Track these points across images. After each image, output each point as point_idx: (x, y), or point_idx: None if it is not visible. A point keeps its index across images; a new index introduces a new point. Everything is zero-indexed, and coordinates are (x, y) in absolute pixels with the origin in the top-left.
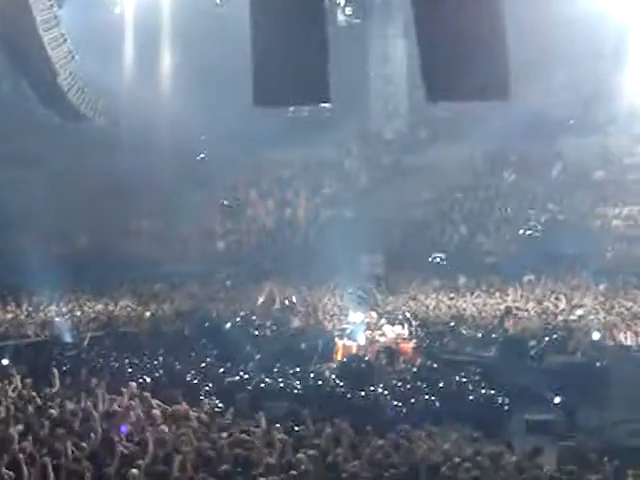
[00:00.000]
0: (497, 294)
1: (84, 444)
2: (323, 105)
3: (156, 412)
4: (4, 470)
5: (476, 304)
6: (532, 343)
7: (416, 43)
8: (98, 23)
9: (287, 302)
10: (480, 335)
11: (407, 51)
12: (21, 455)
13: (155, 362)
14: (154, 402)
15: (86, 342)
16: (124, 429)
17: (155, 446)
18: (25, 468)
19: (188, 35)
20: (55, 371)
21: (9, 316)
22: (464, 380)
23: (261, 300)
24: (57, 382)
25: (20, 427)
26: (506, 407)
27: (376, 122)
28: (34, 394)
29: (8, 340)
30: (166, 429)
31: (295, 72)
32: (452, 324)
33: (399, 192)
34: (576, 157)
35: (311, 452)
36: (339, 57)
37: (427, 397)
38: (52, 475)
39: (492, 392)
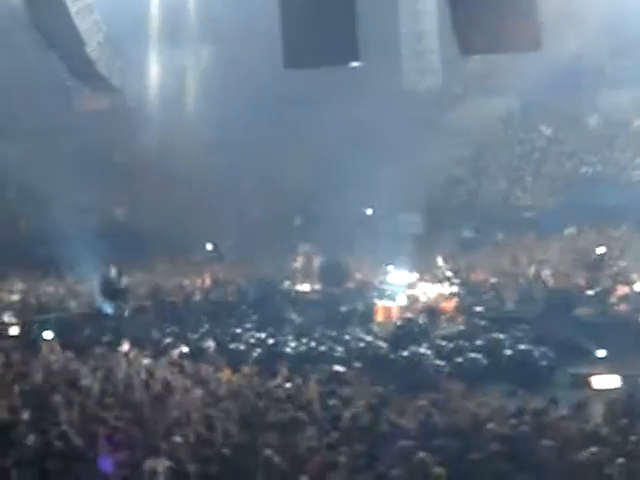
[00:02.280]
0: (536, 248)
1: (129, 412)
2: (353, 64)
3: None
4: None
5: (515, 259)
6: (575, 297)
7: None
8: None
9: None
10: (521, 291)
11: (438, 7)
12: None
13: (197, 330)
14: (197, 369)
15: (127, 313)
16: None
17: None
18: (75, 438)
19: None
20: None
21: (51, 289)
22: (507, 336)
23: (298, 263)
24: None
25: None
26: (550, 362)
27: (409, 79)
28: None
29: (50, 313)
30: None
31: (324, 33)
32: (493, 281)
33: (435, 149)
34: (613, 108)
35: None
36: (369, 16)
37: (470, 355)
38: (105, 444)
39: (536, 347)
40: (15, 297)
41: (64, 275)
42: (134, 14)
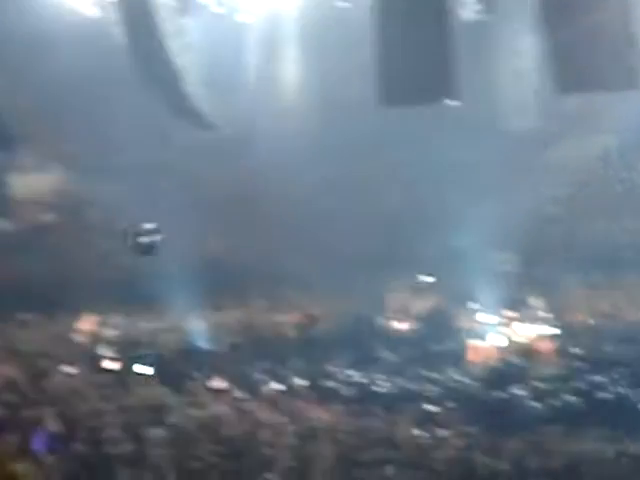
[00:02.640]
0: (637, 290)
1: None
2: (449, 102)
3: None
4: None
5: (614, 301)
6: None
7: (545, 37)
8: (221, 31)
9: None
10: (622, 333)
11: (535, 45)
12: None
13: (289, 367)
14: (289, 405)
15: (220, 349)
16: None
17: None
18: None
19: (311, 41)
20: None
21: (149, 324)
22: (605, 379)
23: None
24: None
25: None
26: None
27: (505, 118)
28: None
29: (151, 349)
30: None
31: (419, 70)
32: (591, 322)
33: (531, 188)
34: None
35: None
36: (465, 54)
37: (567, 397)
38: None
39: (635, 391)
40: (114, 332)
41: (161, 310)
42: (233, 53)
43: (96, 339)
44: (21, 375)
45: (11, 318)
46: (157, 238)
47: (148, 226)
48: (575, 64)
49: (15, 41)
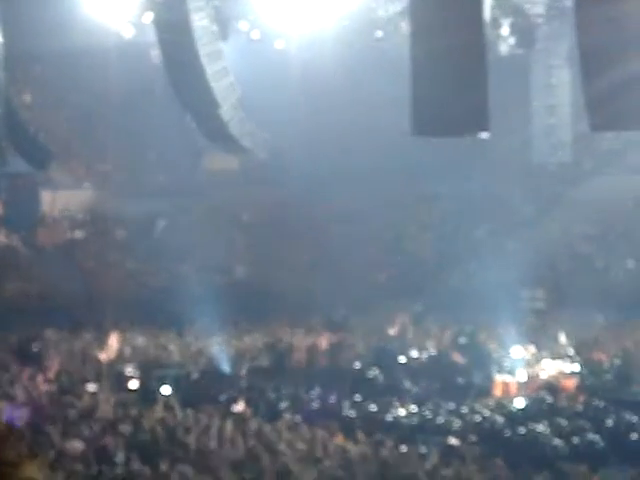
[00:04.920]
0: None
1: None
2: (483, 135)
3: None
4: None
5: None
6: None
7: (580, 73)
8: (260, 57)
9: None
10: None
11: (571, 81)
12: None
13: (311, 394)
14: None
15: (244, 373)
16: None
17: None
18: None
19: (350, 69)
20: None
21: (171, 346)
22: (632, 420)
23: (393, 330)
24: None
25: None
26: None
27: (539, 153)
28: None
29: (169, 370)
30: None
31: (454, 102)
32: (617, 361)
33: (563, 225)
34: None
35: None
36: (500, 88)
37: (591, 436)
38: None
39: None
40: (136, 351)
41: (184, 332)
42: (271, 76)
43: (120, 358)
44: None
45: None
46: None
47: None
48: (611, 101)
49: (53, 60)
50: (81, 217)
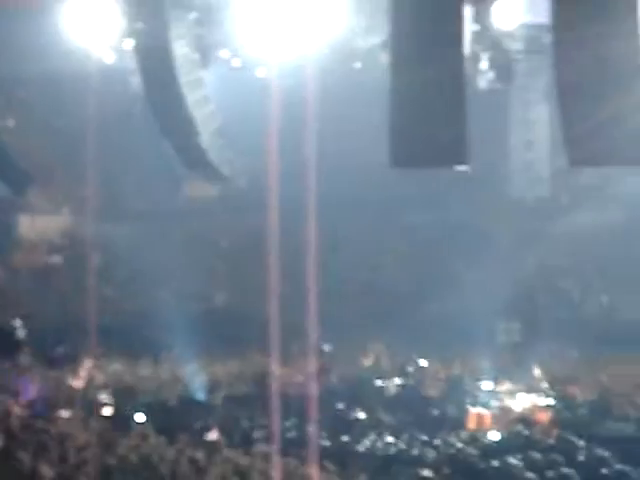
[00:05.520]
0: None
1: None
2: (461, 168)
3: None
4: None
5: (619, 377)
6: None
7: (558, 108)
8: (241, 84)
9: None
10: (619, 409)
11: (549, 116)
12: None
13: (284, 424)
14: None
15: (219, 401)
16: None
17: None
18: None
19: (327, 99)
20: None
21: (146, 372)
22: (604, 454)
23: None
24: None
25: None
26: None
27: (518, 188)
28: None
29: (144, 397)
30: None
31: (433, 134)
32: (591, 397)
33: (540, 258)
34: None
35: None
36: (480, 122)
37: (564, 470)
38: None
39: (634, 469)
40: (109, 378)
41: (159, 360)
42: (251, 104)
43: (94, 385)
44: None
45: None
46: None
47: None
48: (589, 137)
49: (31, 84)
50: (59, 242)
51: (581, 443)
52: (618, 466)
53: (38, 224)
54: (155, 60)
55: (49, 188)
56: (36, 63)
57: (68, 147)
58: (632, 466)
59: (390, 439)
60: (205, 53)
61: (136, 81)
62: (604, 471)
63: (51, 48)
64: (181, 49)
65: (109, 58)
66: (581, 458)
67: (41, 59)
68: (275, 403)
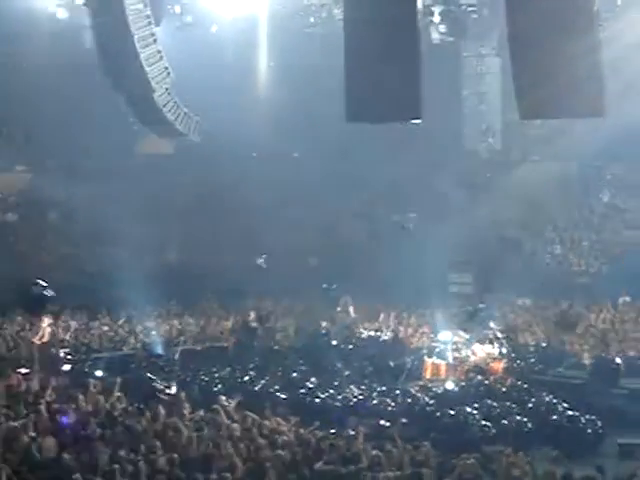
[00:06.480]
0: (589, 315)
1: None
2: (415, 121)
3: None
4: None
5: (566, 324)
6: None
7: (510, 61)
8: (193, 41)
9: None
10: (570, 356)
11: (501, 69)
12: (117, 466)
13: (244, 377)
14: (243, 416)
15: (177, 356)
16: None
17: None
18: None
19: (282, 54)
20: None
21: (104, 329)
22: (554, 401)
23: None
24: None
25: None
26: (597, 430)
27: (469, 140)
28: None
29: (102, 352)
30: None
31: (388, 89)
32: (543, 344)
33: (492, 210)
34: None
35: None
36: (432, 75)
37: (517, 417)
38: None
39: (583, 414)
40: (69, 334)
41: (116, 316)
42: (204, 60)
43: (53, 341)
44: None
45: None
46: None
47: None
48: (540, 89)
49: None
50: (14, 199)
51: (533, 390)
52: (570, 412)
53: None
54: (108, 15)
55: (1, 145)
56: None
57: (22, 105)
58: (582, 411)
59: (348, 390)
60: (157, 9)
61: (90, 37)
62: (552, 417)
63: (3, 4)
64: (133, 5)
65: (62, 13)
66: (532, 405)
67: None
68: (233, 356)
